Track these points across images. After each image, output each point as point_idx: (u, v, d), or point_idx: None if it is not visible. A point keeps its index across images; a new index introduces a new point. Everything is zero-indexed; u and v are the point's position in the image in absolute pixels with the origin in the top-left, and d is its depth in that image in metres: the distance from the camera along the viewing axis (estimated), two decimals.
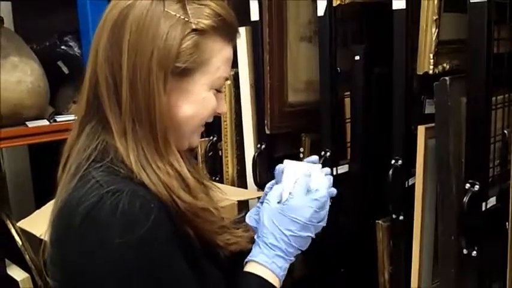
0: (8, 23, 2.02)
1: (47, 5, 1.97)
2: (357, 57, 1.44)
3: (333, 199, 0.96)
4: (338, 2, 1.38)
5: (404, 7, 1.25)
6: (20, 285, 1.74)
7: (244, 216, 1.03)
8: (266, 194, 0.96)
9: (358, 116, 1.48)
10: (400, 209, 1.33)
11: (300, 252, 0.91)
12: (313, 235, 0.90)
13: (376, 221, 1.40)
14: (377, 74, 1.46)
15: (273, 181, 1.01)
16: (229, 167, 1.80)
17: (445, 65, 1.25)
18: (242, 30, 1.62)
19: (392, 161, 1.31)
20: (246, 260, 0.89)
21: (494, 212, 1.18)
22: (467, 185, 1.14)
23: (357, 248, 1.50)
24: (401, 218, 1.34)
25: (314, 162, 0.97)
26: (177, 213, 0.79)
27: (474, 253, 1.14)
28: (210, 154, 1.83)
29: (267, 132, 1.62)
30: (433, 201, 1.29)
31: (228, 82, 1.72)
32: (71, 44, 1.93)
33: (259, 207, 0.98)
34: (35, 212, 1.57)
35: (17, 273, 1.78)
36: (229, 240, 0.90)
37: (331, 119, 1.47)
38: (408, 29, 1.26)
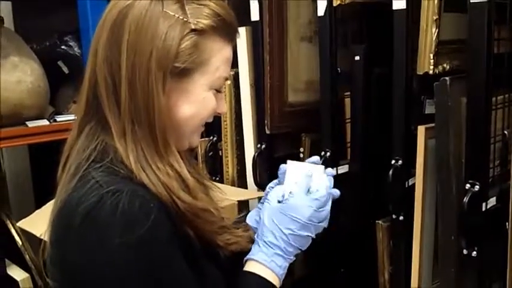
0: (8, 23, 2.02)
1: (47, 4, 1.97)
2: (357, 58, 1.44)
3: (333, 199, 0.96)
4: (338, 2, 1.38)
5: (405, 7, 1.25)
6: (20, 285, 1.74)
7: (244, 217, 1.04)
8: (267, 194, 0.96)
9: (358, 116, 1.48)
10: (400, 209, 1.33)
11: (300, 251, 0.91)
12: (313, 235, 0.90)
13: (376, 221, 1.40)
14: (377, 74, 1.46)
15: (274, 181, 1.01)
16: (229, 167, 1.80)
17: (445, 65, 1.25)
18: (242, 30, 1.62)
19: (393, 161, 1.31)
20: (246, 258, 0.89)
21: (495, 212, 1.18)
22: (468, 185, 1.14)
23: (357, 248, 1.50)
24: (401, 218, 1.34)
25: (316, 163, 0.97)
26: (177, 214, 0.79)
27: (474, 253, 1.14)
28: (210, 154, 1.83)
29: (267, 132, 1.62)
30: (433, 202, 1.29)
31: (228, 82, 1.72)
32: (71, 43, 1.94)
33: (260, 208, 0.98)
34: (34, 212, 1.56)
35: (17, 273, 1.78)
36: (230, 240, 0.90)
37: (331, 119, 1.47)
38: (408, 29, 1.26)
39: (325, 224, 0.92)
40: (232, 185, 1.78)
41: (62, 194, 0.80)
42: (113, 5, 0.83)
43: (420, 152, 1.26)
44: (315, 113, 1.54)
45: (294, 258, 0.91)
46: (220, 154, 1.83)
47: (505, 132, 1.23)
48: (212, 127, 1.79)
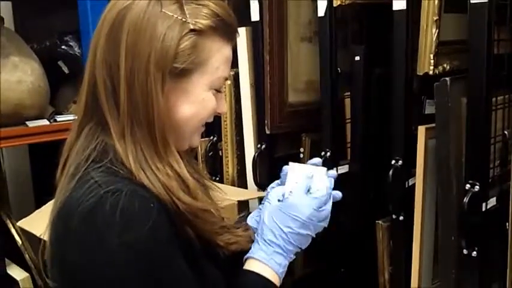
0: (9, 23, 2.02)
1: (47, 4, 1.97)
2: (357, 58, 1.44)
3: (335, 201, 0.96)
4: (338, 3, 1.38)
5: (405, 8, 1.25)
6: (20, 284, 1.74)
7: (244, 216, 1.04)
8: (268, 195, 0.97)
9: (358, 116, 1.48)
10: (400, 209, 1.33)
11: (299, 250, 0.91)
12: (313, 234, 0.91)
13: (376, 221, 1.40)
14: (377, 74, 1.46)
15: (276, 182, 1.01)
16: (229, 167, 1.80)
17: (445, 65, 1.25)
18: (242, 30, 1.62)
19: (393, 161, 1.31)
20: (245, 257, 0.89)
21: (495, 213, 1.18)
22: (468, 186, 1.14)
23: (357, 248, 1.50)
24: (401, 218, 1.34)
25: (317, 165, 0.98)
26: (177, 214, 0.79)
27: (474, 253, 1.14)
28: (210, 154, 1.83)
29: (267, 132, 1.62)
30: (433, 202, 1.30)
31: (228, 82, 1.73)
32: (71, 43, 1.94)
33: (261, 209, 0.98)
34: (34, 212, 1.56)
35: (17, 272, 1.78)
36: (230, 239, 0.90)
37: (332, 119, 1.47)
38: (408, 30, 1.26)
39: (325, 224, 0.92)
40: (232, 185, 1.78)
41: (62, 194, 0.80)
42: (111, 5, 0.83)
43: (420, 152, 1.26)
44: (315, 113, 1.54)
45: (294, 257, 0.91)
46: (220, 154, 1.83)
47: (505, 132, 1.23)
48: (212, 127, 1.79)
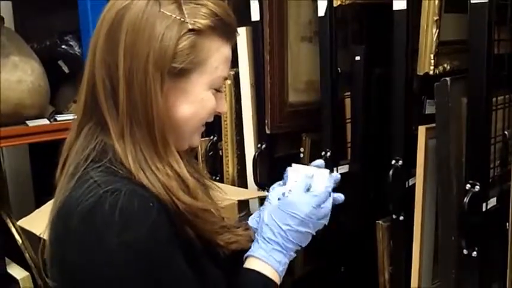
0: (9, 23, 2.02)
1: (47, 4, 1.98)
2: (358, 58, 1.44)
3: (337, 203, 0.96)
4: (339, 3, 1.38)
5: (405, 8, 1.25)
6: (20, 283, 1.74)
7: (245, 216, 1.04)
8: (269, 195, 0.97)
9: (358, 116, 1.48)
10: (400, 209, 1.33)
11: (299, 248, 0.91)
12: (312, 231, 0.91)
13: (376, 221, 1.40)
14: (377, 74, 1.46)
15: (277, 183, 1.01)
16: (229, 167, 1.80)
17: (445, 65, 1.25)
18: (243, 30, 1.62)
19: (393, 161, 1.31)
20: (245, 256, 0.90)
21: (495, 213, 1.18)
22: (468, 186, 1.14)
23: (357, 248, 1.50)
24: (401, 218, 1.34)
25: (319, 166, 0.98)
26: (177, 214, 0.79)
27: (474, 253, 1.14)
28: (210, 154, 1.83)
29: (268, 132, 1.62)
30: (433, 202, 1.30)
31: (229, 82, 1.73)
32: (71, 43, 1.94)
33: (262, 210, 0.99)
34: (35, 211, 1.56)
35: (17, 271, 1.78)
36: (230, 239, 0.90)
37: (332, 119, 1.47)
38: (409, 30, 1.26)
39: (325, 222, 0.93)
40: (233, 184, 1.78)
41: (61, 194, 0.80)
42: (110, 5, 0.83)
43: (420, 152, 1.26)
44: (315, 113, 1.54)
45: (294, 255, 0.91)
46: (221, 154, 1.83)
47: (506, 132, 1.23)
48: (212, 127, 1.79)
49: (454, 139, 1.18)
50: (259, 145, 1.67)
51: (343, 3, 1.38)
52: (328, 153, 1.47)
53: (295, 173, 0.96)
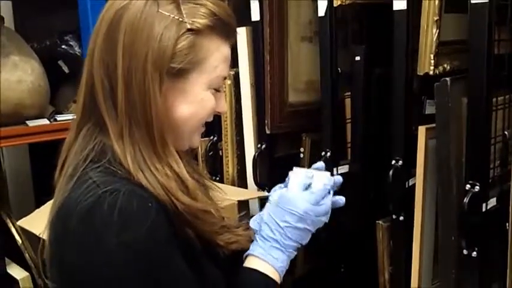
0: (9, 22, 2.02)
1: (47, 4, 1.97)
2: (358, 58, 1.44)
3: (337, 204, 0.96)
4: (339, 3, 1.38)
5: (405, 8, 1.25)
6: (20, 283, 1.74)
7: (244, 216, 1.04)
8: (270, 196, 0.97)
9: (358, 116, 1.48)
10: (400, 209, 1.33)
11: (299, 245, 0.91)
12: (311, 229, 0.91)
13: (377, 221, 1.40)
14: (377, 74, 1.46)
15: (278, 185, 1.01)
16: (229, 167, 1.80)
17: (445, 65, 1.25)
18: (243, 30, 1.62)
19: (393, 162, 1.31)
20: (245, 255, 0.90)
21: (495, 213, 1.18)
22: (468, 186, 1.14)
23: (357, 248, 1.50)
24: (401, 218, 1.34)
25: (319, 169, 0.98)
26: (176, 214, 0.79)
27: (474, 254, 1.14)
28: (210, 154, 1.84)
29: (268, 132, 1.62)
30: (433, 202, 1.30)
31: (229, 82, 1.73)
32: (71, 43, 1.94)
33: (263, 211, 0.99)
34: (35, 211, 1.56)
35: (16, 271, 1.78)
36: (230, 239, 0.90)
37: (332, 119, 1.47)
38: (409, 30, 1.26)
39: (325, 219, 0.93)
40: (233, 184, 1.78)
41: (60, 195, 0.80)
42: (109, 5, 0.83)
43: (420, 153, 1.26)
44: (315, 113, 1.54)
45: (295, 253, 0.91)
46: (221, 154, 1.83)
47: (506, 132, 1.23)
48: (212, 127, 1.79)
49: (454, 139, 1.18)
50: (259, 145, 1.67)
51: (343, 3, 1.38)
52: (328, 153, 1.47)
53: (297, 175, 0.96)
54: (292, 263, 0.93)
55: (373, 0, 1.48)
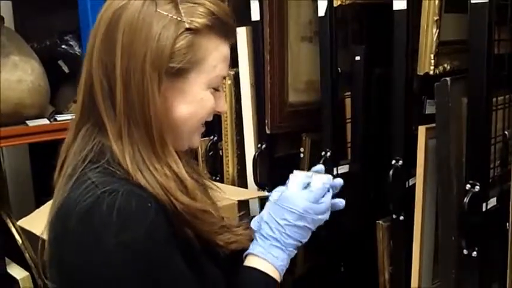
0: (9, 22, 2.02)
1: (47, 4, 1.98)
2: (358, 58, 1.44)
3: (337, 207, 0.96)
4: (339, 3, 1.38)
5: (405, 8, 1.25)
6: (20, 283, 1.74)
7: (244, 216, 1.04)
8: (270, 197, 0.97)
9: (358, 116, 1.48)
10: (400, 209, 1.33)
11: (299, 244, 0.91)
12: (311, 227, 0.91)
13: (377, 221, 1.40)
14: (377, 74, 1.46)
15: (278, 187, 1.01)
16: (229, 167, 1.80)
17: (445, 65, 1.25)
18: (243, 30, 1.62)
19: (393, 161, 1.31)
20: (245, 254, 0.90)
21: (495, 213, 1.18)
22: (468, 186, 1.14)
23: (357, 248, 1.50)
24: (401, 218, 1.33)
25: (319, 171, 0.99)
26: (175, 214, 0.79)
27: (474, 253, 1.14)
28: (210, 154, 1.84)
29: (268, 132, 1.62)
30: (434, 202, 1.29)
31: (229, 82, 1.73)
32: (71, 43, 1.94)
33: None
34: (35, 211, 1.57)
35: (17, 271, 1.78)
36: (230, 239, 0.90)
37: (332, 119, 1.47)
38: (409, 30, 1.26)
39: (325, 217, 0.93)
40: (233, 184, 1.78)
41: (59, 195, 0.80)
42: (107, 5, 0.83)
43: (421, 152, 1.26)
44: (315, 113, 1.54)
45: (295, 251, 0.91)
46: (221, 154, 1.83)
47: (506, 132, 1.23)
48: (212, 127, 1.79)
49: (454, 139, 1.18)
50: (259, 145, 1.67)
51: (343, 3, 1.38)
52: (328, 153, 1.47)
53: (296, 177, 0.96)
54: (292, 262, 0.93)
55: (373, 0, 1.48)
